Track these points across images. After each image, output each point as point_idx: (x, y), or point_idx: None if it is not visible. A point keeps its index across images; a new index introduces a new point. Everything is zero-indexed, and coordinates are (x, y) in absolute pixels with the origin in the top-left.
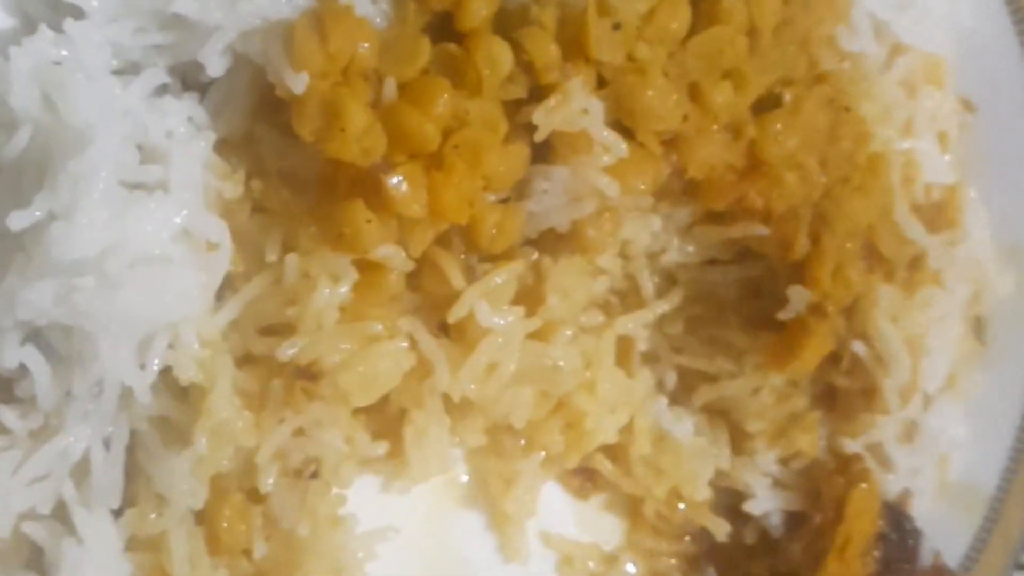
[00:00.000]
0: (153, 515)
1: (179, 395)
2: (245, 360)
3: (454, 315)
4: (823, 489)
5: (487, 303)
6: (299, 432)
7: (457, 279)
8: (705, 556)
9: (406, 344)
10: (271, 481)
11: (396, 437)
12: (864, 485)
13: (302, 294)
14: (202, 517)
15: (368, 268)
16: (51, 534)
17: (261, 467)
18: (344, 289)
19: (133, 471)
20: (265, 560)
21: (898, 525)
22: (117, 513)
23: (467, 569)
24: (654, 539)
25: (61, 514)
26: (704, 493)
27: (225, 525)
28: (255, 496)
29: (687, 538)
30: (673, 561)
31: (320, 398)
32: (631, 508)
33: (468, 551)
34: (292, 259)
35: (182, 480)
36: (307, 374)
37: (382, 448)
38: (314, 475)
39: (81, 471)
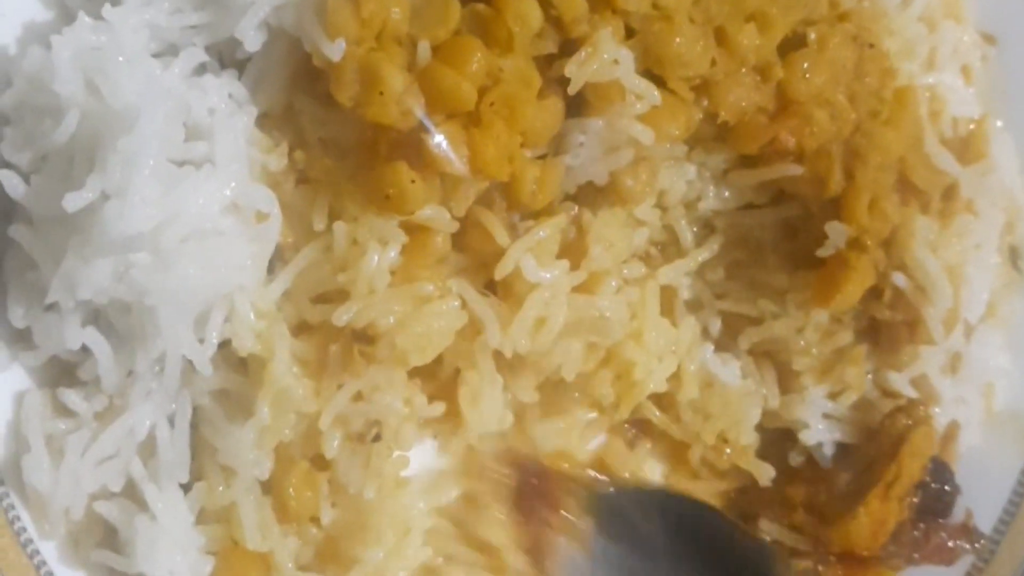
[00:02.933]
0: (221, 487)
1: (238, 367)
2: (301, 329)
3: (500, 271)
4: (884, 425)
5: (533, 258)
6: (358, 397)
7: (502, 236)
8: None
9: (457, 303)
10: (336, 445)
11: (451, 398)
12: (924, 428)
13: (352, 260)
14: (269, 487)
15: (415, 231)
16: (123, 512)
17: (324, 433)
18: (393, 253)
19: (199, 446)
20: (334, 525)
21: (940, 477)
22: (186, 488)
23: None
24: (692, 483)
25: (131, 492)
26: (750, 437)
27: (292, 492)
28: (320, 463)
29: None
30: None
31: (377, 361)
32: (672, 454)
33: None
34: (340, 226)
35: (247, 451)
36: (363, 337)
37: (439, 409)
38: (376, 438)
39: (148, 449)
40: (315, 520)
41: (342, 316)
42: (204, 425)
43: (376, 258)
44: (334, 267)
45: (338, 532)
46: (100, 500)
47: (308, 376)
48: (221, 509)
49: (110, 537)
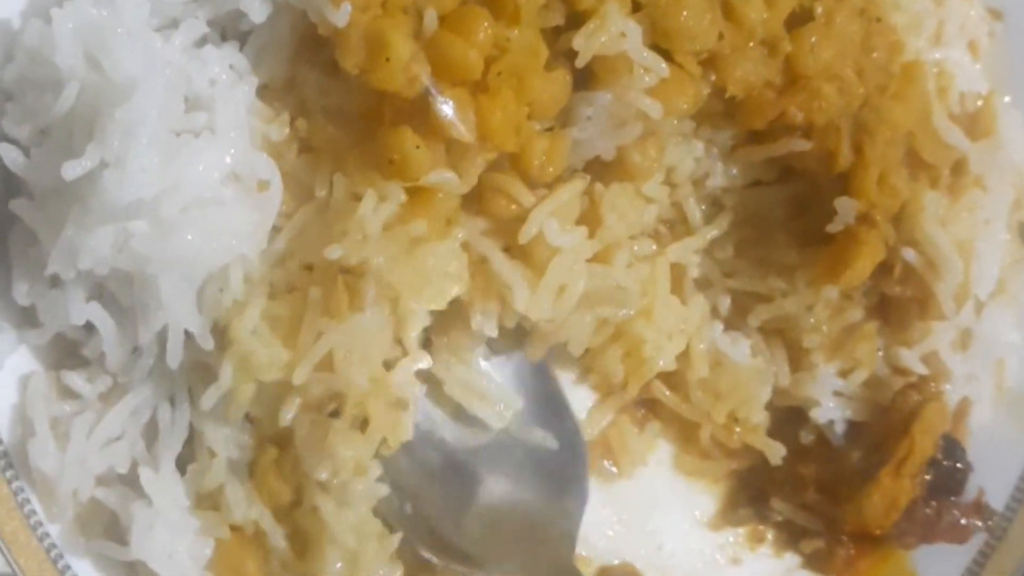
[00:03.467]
0: (209, 469)
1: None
2: (284, 290)
3: (525, 234)
4: (895, 402)
5: (556, 221)
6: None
7: (525, 197)
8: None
9: (457, 245)
10: (291, 415)
11: None
12: (936, 405)
13: (348, 211)
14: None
15: (417, 192)
16: (121, 499)
17: (286, 397)
18: (393, 205)
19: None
20: (294, 532)
21: (952, 454)
22: (183, 472)
23: None
24: (701, 463)
25: (130, 479)
26: (761, 416)
27: (262, 479)
28: (286, 444)
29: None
30: None
31: (363, 308)
32: (681, 434)
33: None
34: (339, 179)
35: (220, 427)
36: (351, 272)
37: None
38: (335, 413)
39: (151, 431)
40: (290, 512)
41: (334, 251)
42: (192, 408)
43: (371, 205)
44: (329, 220)
45: (298, 542)
46: (100, 487)
47: (280, 339)
48: (212, 492)
49: (115, 522)
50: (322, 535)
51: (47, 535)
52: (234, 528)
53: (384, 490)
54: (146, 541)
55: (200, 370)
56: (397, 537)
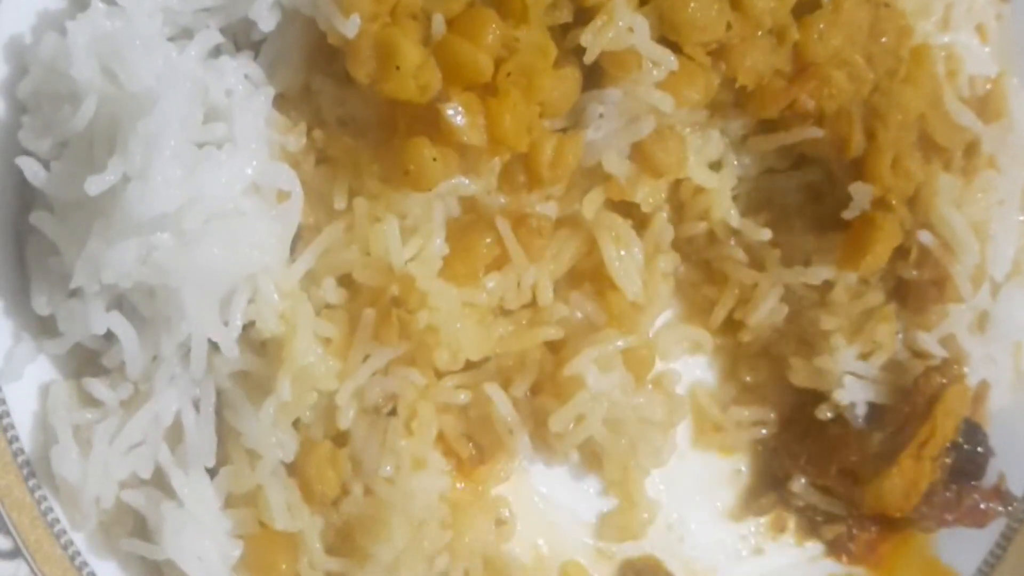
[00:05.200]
0: (247, 471)
1: (259, 349)
2: (323, 310)
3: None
4: (917, 384)
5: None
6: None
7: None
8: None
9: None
10: (351, 416)
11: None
12: (959, 387)
13: (374, 239)
14: (293, 470)
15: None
16: (150, 500)
17: (341, 406)
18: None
19: (223, 430)
20: (351, 512)
21: (973, 438)
22: (212, 473)
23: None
24: (716, 435)
25: (158, 480)
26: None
27: (314, 472)
28: (341, 440)
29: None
30: None
31: (410, 336)
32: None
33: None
34: (361, 203)
35: (269, 433)
36: (403, 304)
37: (464, 396)
38: (392, 412)
39: (175, 435)
40: (336, 504)
41: (393, 290)
42: (227, 409)
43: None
44: (357, 246)
45: (354, 521)
46: (128, 489)
47: (331, 354)
48: (248, 493)
49: (140, 526)
50: (383, 517)
51: (71, 543)
52: (264, 527)
53: (443, 482)
54: (177, 542)
55: (241, 379)
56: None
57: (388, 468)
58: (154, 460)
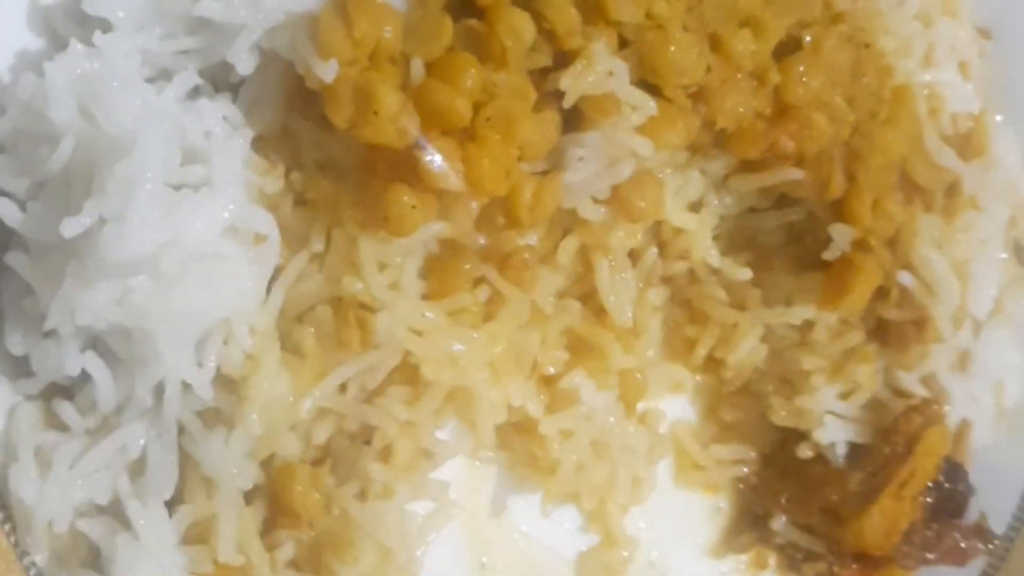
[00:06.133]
0: (204, 501)
1: (226, 384)
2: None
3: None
4: (897, 425)
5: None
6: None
7: None
8: (755, 477)
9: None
10: (324, 434)
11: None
12: (938, 428)
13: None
14: (251, 497)
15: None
16: (106, 529)
17: (312, 422)
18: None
19: (183, 463)
20: (321, 530)
21: (954, 477)
22: (171, 510)
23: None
24: (697, 473)
25: (115, 510)
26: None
27: (298, 496)
28: (318, 459)
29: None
30: None
31: (375, 345)
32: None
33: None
34: (339, 234)
35: (230, 462)
36: (366, 307)
37: (445, 440)
38: (367, 442)
39: (136, 466)
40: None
41: (354, 285)
42: (185, 438)
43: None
44: (330, 277)
45: (324, 539)
46: (84, 517)
47: (304, 381)
48: (203, 524)
49: (93, 557)
50: (350, 538)
51: (33, 564)
52: (218, 565)
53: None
54: (130, 574)
55: (207, 413)
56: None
57: (352, 490)
58: (113, 488)
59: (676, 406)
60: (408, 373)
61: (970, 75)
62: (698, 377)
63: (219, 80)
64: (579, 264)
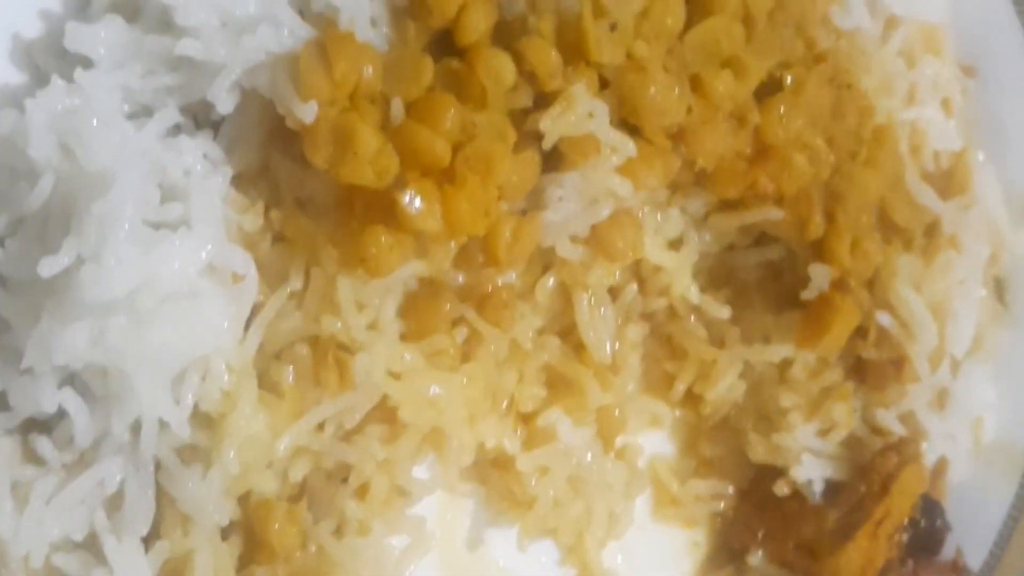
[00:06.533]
0: (180, 537)
1: (203, 421)
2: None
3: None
4: (874, 463)
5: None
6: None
7: None
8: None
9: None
10: (300, 472)
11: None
12: (915, 467)
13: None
14: (228, 533)
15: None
16: (82, 566)
17: (288, 460)
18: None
19: (160, 499)
20: (300, 562)
21: (930, 514)
22: (148, 546)
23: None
24: (674, 509)
25: (91, 545)
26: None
27: (275, 534)
28: (294, 493)
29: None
30: None
31: (353, 386)
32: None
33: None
34: (318, 273)
35: (207, 499)
36: (344, 348)
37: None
38: (344, 480)
39: (113, 502)
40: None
41: (333, 324)
42: (162, 474)
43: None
44: (308, 315)
45: (299, 575)
46: (59, 552)
47: (281, 419)
48: (179, 560)
49: None
50: (327, 573)
51: None
52: None
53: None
54: None
55: (184, 449)
56: None
57: (329, 527)
58: (89, 524)
59: (655, 441)
60: (385, 412)
61: (952, 112)
62: (677, 412)
63: (200, 117)
64: (559, 300)
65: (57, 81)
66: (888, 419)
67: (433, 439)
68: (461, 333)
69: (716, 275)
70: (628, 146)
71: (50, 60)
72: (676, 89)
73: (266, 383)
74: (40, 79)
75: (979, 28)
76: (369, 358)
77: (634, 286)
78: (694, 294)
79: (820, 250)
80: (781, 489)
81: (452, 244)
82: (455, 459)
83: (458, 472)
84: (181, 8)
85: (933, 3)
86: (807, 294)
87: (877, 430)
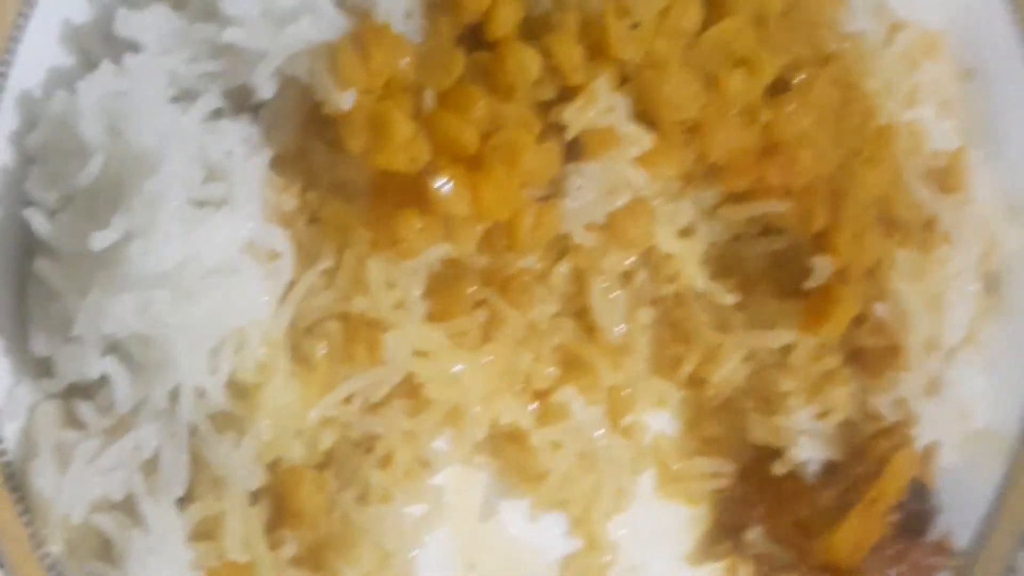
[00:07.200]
0: (213, 500)
1: (238, 391)
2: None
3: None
4: (869, 446)
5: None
6: (367, 407)
7: None
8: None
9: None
10: (329, 440)
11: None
12: (907, 451)
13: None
14: (257, 497)
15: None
16: (119, 525)
17: (317, 430)
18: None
19: (194, 463)
20: (324, 530)
21: (920, 498)
22: (181, 506)
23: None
24: (676, 485)
25: (128, 507)
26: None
27: (304, 499)
28: (322, 463)
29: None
30: None
31: (383, 362)
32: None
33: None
34: (350, 253)
35: (239, 464)
36: (374, 325)
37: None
38: (369, 450)
39: (150, 465)
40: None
41: (359, 303)
42: (196, 440)
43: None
44: (339, 293)
45: (324, 539)
46: (98, 512)
47: (313, 390)
48: (211, 521)
49: (104, 550)
50: (352, 539)
51: (47, 554)
52: (224, 561)
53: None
54: (141, 568)
55: (218, 417)
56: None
57: (351, 495)
58: (127, 486)
59: (660, 420)
60: (410, 387)
61: (951, 113)
62: (682, 393)
63: (240, 101)
64: (573, 284)
65: (107, 64)
66: (882, 405)
67: (451, 414)
68: (481, 314)
69: (724, 263)
70: (645, 139)
71: (98, 44)
72: (692, 86)
73: (298, 356)
74: (89, 63)
75: (977, 33)
76: (397, 336)
77: (645, 272)
78: (702, 281)
79: (823, 242)
80: (779, 468)
81: (477, 228)
82: (470, 433)
83: (472, 446)
84: None
85: (935, 9)
86: (810, 283)
87: (871, 415)
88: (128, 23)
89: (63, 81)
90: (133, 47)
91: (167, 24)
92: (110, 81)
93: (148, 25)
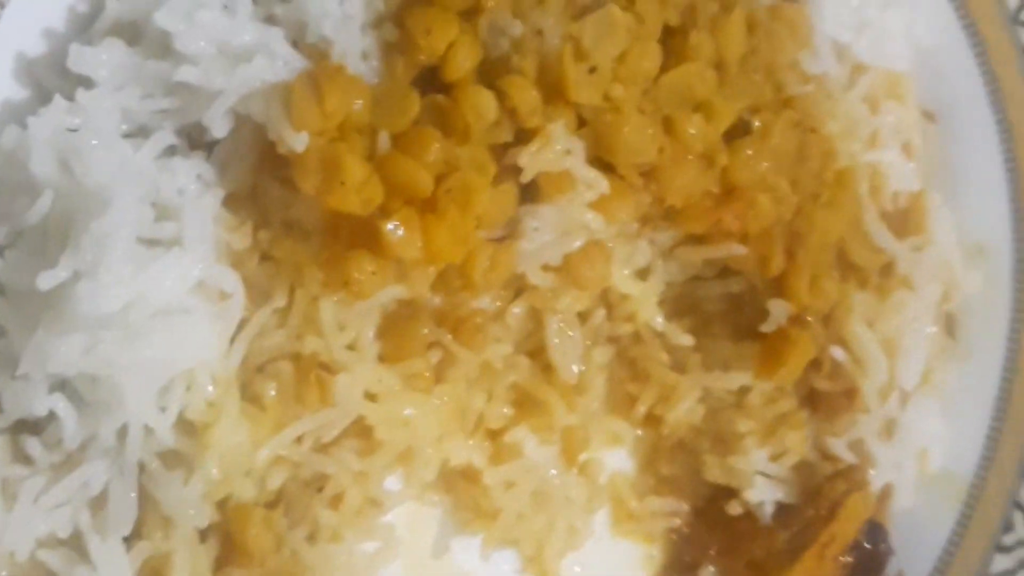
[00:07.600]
0: (160, 538)
1: (187, 429)
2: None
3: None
4: (824, 488)
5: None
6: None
7: None
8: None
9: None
10: (279, 480)
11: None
12: (862, 494)
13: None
14: (206, 535)
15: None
16: (66, 562)
17: (267, 470)
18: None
19: (142, 501)
20: (272, 570)
21: (875, 538)
22: (129, 545)
23: None
24: (632, 524)
25: (75, 543)
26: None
27: (252, 538)
28: (272, 505)
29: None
30: None
31: (334, 404)
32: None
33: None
34: (301, 293)
35: (188, 503)
36: (326, 367)
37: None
38: (319, 489)
39: (97, 502)
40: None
41: (315, 343)
42: (145, 478)
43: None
44: (291, 333)
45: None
46: (44, 548)
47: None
48: (158, 559)
49: None
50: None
51: None
52: None
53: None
54: None
55: (170, 456)
56: None
57: (301, 534)
58: (74, 522)
59: (616, 458)
60: (361, 427)
61: (913, 155)
62: (638, 431)
63: (194, 138)
64: (529, 322)
65: (60, 100)
66: (838, 447)
67: (403, 455)
68: (435, 355)
69: (680, 304)
70: (602, 183)
71: (52, 78)
72: (649, 130)
73: (249, 396)
74: (42, 96)
75: (941, 75)
76: (349, 379)
77: (602, 311)
78: (659, 321)
79: (780, 286)
80: (734, 509)
81: (431, 270)
82: (421, 473)
83: (424, 485)
84: (181, 35)
85: (899, 51)
86: (766, 327)
87: (827, 456)
88: (82, 58)
89: (15, 115)
90: (86, 82)
91: (121, 60)
92: (62, 116)
93: (102, 61)
